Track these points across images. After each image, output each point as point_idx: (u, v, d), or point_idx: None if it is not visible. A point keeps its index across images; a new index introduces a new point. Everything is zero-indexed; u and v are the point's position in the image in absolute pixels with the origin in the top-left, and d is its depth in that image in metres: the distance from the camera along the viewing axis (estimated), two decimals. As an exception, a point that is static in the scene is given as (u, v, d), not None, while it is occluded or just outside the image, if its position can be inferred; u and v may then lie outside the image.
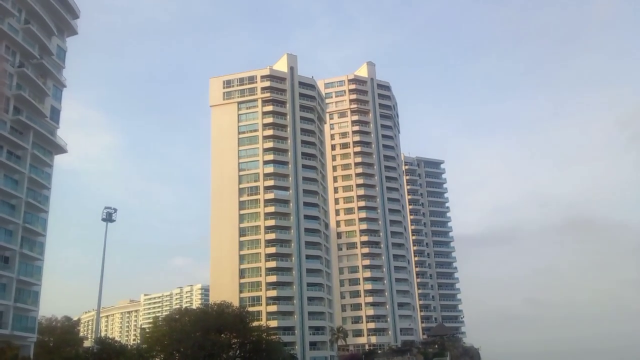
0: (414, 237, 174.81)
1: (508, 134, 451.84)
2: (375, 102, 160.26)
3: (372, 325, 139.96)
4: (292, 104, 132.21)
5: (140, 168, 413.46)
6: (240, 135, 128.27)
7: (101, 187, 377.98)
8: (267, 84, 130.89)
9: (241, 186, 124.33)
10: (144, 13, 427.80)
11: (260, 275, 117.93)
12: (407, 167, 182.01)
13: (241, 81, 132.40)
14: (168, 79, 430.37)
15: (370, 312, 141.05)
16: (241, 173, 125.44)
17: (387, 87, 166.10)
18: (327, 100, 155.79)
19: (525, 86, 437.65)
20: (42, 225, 77.46)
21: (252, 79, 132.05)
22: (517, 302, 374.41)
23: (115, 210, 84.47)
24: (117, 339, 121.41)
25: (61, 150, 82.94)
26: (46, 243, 78.20)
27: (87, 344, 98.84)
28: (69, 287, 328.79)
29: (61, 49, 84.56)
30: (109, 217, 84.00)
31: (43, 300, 76.85)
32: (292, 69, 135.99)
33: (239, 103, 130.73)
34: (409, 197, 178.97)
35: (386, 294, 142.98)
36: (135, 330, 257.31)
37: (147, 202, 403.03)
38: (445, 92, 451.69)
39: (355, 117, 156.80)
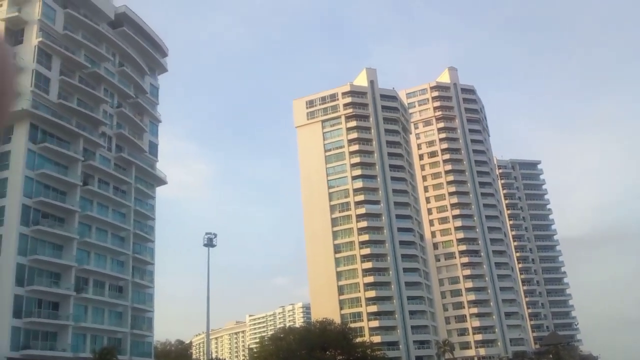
0: (515, 243, 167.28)
1: (607, 129, 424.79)
2: (461, 107, 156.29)
3: (479, 336, 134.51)
4: (375, 118, 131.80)
5: (234, 193, 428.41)
6: (327, 153, 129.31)
7: (200, 214, 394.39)
8: (348, 100, 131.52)
9: (332, 203, 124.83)
10: (225, 44, 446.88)
11: (359, 291, 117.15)
12: (501, 170, 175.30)
13: (323, 100, 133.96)
14: (253, 105, 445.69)
15: (476, 323, 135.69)
16: (331, 190, 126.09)
17: (471, 91, 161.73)
18: (411, 110, 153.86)
19: (620, 79, 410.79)
20: (150, 254, 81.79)
21: (333, 97, 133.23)
22: (637, 304, 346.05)
23: (215, 235, 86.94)
24: (227, 359, 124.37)
25: (161, 182, 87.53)
26: (155, 271, 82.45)
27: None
28: (178, 311, 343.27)
29: (154, 86, 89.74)
30: (210, 243, 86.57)
31: (156, 326, 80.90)
32: (372, 83, 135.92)
33: (323, 121, 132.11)
34: (506, 201, 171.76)
35: (491, 303, 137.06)
36: (243, 350, 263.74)
37: (244, 225, 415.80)
38: (534, 90, 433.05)
39: (441, 125, 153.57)
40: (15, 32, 68.81)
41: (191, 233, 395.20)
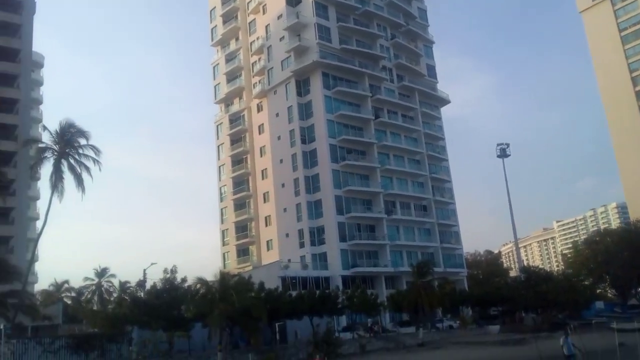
0: None
1: None
2: None
3: None
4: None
5: (518, 99, 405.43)
6: (623, 33, 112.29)
7: (488, 127, 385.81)
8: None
9: (637, 89, 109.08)
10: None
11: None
12: None
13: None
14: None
15: None
16: (634, 74, 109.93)
17: None
18: None
19: None
20: (446, 173, 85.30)
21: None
22: None
23: (508, 145, 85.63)
24: (540, 266, 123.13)
25: (444, 102, 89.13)
26: (453, 188, 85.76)
27: (512, 273, 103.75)
28: (483, 224, 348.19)
29: (422, 10, 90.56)
30: (503, 153, 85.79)
31: (464, 239, 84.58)
32: None
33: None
34: None
35: None
36: (555, 256, 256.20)
37: (535, 129, 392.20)
38: None
39: None
40: (294, -7, 76.71)
41: (483, 147, 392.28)
